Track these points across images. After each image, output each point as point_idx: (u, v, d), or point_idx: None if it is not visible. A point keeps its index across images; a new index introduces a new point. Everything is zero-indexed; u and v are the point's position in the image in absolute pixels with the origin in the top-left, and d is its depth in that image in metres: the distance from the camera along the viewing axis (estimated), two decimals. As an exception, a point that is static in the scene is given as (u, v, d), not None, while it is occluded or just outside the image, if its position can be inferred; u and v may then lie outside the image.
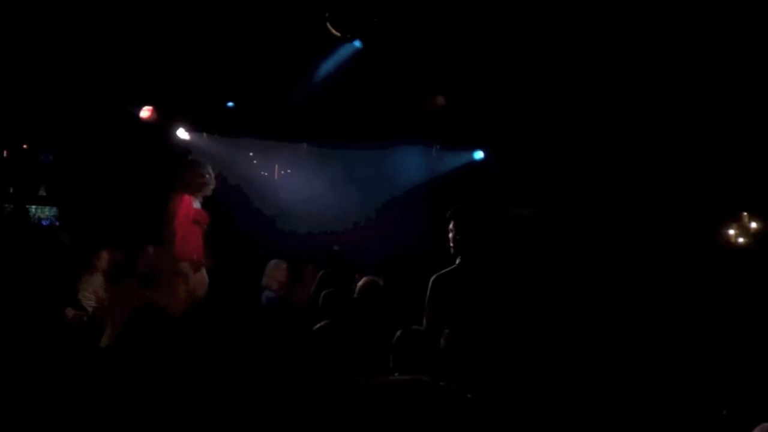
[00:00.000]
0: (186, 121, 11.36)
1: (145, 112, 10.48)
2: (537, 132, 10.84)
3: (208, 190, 7.58)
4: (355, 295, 6.40)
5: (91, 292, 8.41)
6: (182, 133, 11.37)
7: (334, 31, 8.19)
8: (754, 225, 11.02)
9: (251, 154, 13.04)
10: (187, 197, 7.43)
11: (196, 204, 7.53)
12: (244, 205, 12.26)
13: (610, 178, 10.61)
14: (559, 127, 10.58)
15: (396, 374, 4.24)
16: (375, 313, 6.02)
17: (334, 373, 4.05)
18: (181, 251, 7.38)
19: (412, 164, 12.37)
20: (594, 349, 7.12)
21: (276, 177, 13.43)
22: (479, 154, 12.56)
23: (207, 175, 7.57)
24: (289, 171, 13.49)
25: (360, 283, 6.45)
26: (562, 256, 9.89)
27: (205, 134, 11.85)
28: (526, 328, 5.12)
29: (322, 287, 7.12)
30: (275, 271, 8.56)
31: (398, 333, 4.41)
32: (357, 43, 8.99)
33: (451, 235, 5.23)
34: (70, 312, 7.95)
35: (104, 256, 8.70)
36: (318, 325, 4.36)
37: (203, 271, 7.51)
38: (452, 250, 5.22)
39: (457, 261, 5.15)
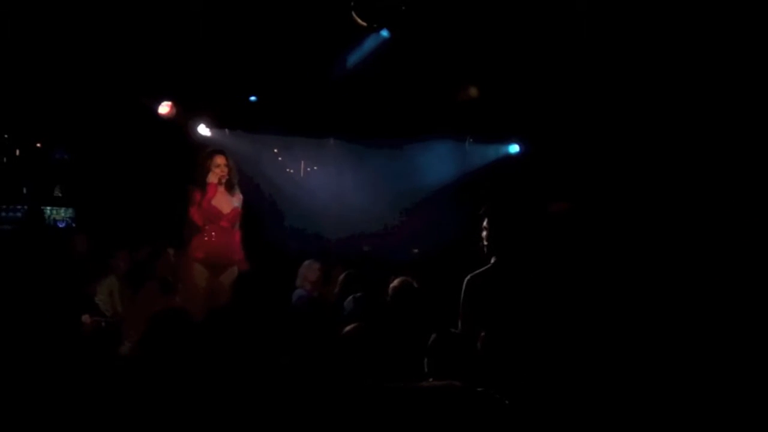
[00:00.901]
0: (207, 116, 11.39)
1: (164, 108, 10.49)
2: (577, 122, 10.66)
3: (215, 177, 7.60)
4: (389, 297, 6.42)
5: (108, 294, 8.51)
6: (203, 130, 11.40)
7: (360, 21, 8.18)
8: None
9: (276, 150, 13.09)
10: (196, 191, 7.49)
11: (233, 200, 7.60)
12: (269, 204, 12.33)
13: (662, 173, 10.41)
14: (602, 117, 10.42)
15: (430, 379, 4.25)
16: (409, 315, 6.04)
17: (365, 378, 4.07)
18: (188, 249, 7.46)
19: (444, 159, 12.33)
20: (643, 357, 6.99)
21: (302, 174, 13.48)
22: (514, 148, 12.54)
23: (210, 161, 7.61)
24: (315, 168, 13.55)
25: (393, 285, 6.45)
26: (605, 255, 9.78)
27: (227, 130, 11.90)
28: (567, 331, 5.11)
29: (347, 288, 7.15)
30: (308, 271, 8.65)
31: (433, 336, 4.41)
32: (384, 33, 9.01)
33: (485, 233, 5.19)
34: (87, 318, 8.02)
35: (122, 257, 8.80)
36: (348, 328, 4.38)
37: (231, 271, 7.54)
38: (486, 250, 5.19)
39: (492, 260, 5.13)
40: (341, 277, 7.70)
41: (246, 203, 8.09)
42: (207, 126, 11.46)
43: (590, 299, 7.11)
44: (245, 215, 8.04)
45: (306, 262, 8.76)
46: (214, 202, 7.52)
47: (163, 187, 8.05)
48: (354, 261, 9.28)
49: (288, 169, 13.36)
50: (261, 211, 11.58)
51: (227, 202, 7.62)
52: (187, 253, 7.52)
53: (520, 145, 12.47)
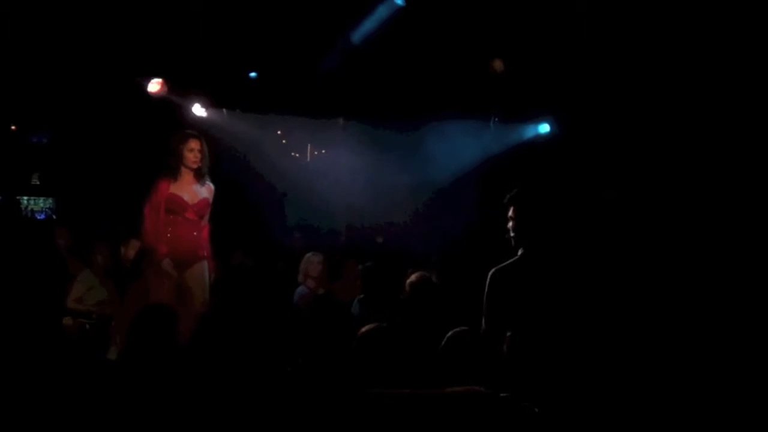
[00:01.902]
0: (202, 95, 11.45)
1: (155, 86, 10.53)
2: (615, 99, 10.61)
3: (187, 162, 7.42)
4: (405, 294, 6.44)
5: (87, 290, 8.58)
6: (198, 110, 11.46)
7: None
8: None
9: (279, 132, 13.15)
10: (164, 179, 7.44)
11: (202, 190, 7.54)
12: (271, 192, 12.40)
13: (707, 155, 10.35)
14: (643, 93, 10.37)
15: (450, 385, 4.28)
16: (428, 313, 6.07)
17: (380, 384, 4.11)
18: (146, 241, 7.44)
19: (467, 141, 12.34)
20: (689, 361, 6.95)
21: (308, 158, 13.55)
22: (545, 127, 12.58)
23: (183, 145, 7.55)
24: (323, 151, 13.61)
25: (410, 280, 6.45)
26: (644, 247, 9.75)
27: (225, 110, 11.98)
28: (602, 332, 5.13)
29: (369, 283, 7.22)
30: (308, 266, 8.66)
31: (449, 335, 4.44)
32: (399, 0, 9.03)
33: (511, 222, 5.15)
34: (69, 321, 8.08)
35: (99, 251, 8.84)
36: (364, 330, 4.41)
37: (199, 267, 7.54)
38: (513, 241, 5.15)
39: (519, 253, 5.09)
40: (359, 270, 7.75)
41: (246, 191, 8.09)
42: (202, 106, 11.51)
43: (630, 297, 7.12)
44: (243, 204, 8.05)
45: (307, 255, 8.78)
46: (179, 191, 7.51)
47: (154, 175, 8.04)
48: (366, 254, 9.31)
49: (293, 153, 13.42)
50: (262, 200, 11.65)
51: (195, 192, 7.54)
52: (150, 247, 7.47)
53: (551, 125, 12.48)
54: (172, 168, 7.37)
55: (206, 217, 7.59)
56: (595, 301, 5.13)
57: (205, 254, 7.51)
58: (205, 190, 7.53)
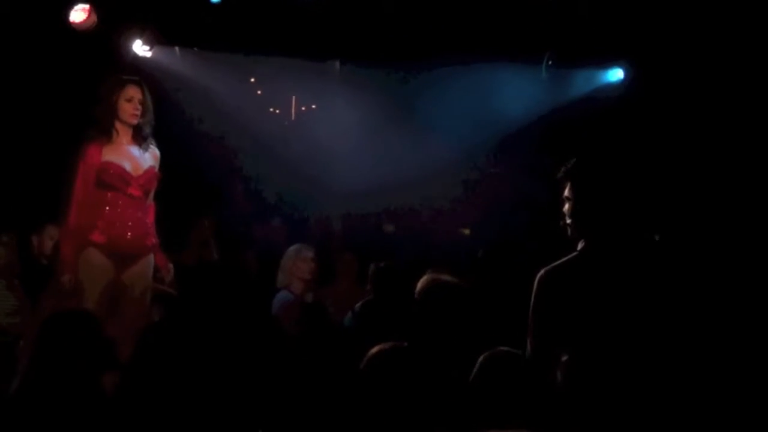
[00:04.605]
0: (146, 28, 11.41)
1: (79, 14, 10.50)
2: (717, 34, 10.57)
3: (124, 118, 7.43)
4: (417, 301, 6.42)
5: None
6: (140, 48, 11.43)
7: None
8: None
9: (252, 80, 13.15)
10: (94, 142, 7.36)
11: (146, 157, 7.47)
12: (240, 162, 12.38)
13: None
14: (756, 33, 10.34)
15: (486, 428, 4.25)
16: (449, 329, 6.04)
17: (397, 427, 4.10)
18: (71, 229, 7.34)
19: (510, 93, 12.26)
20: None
21: (293, 116, 13.55)
22: (616, 74, 12.53)
23: (118, 94, 7.45)
24: (313, 107, 13.61)
25: (422, 284, 6.45)
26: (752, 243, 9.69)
27: (177, 48, 11.99)
28: (694, 355, 5.07)
29: (382, 289, 7.20)
30: (296, 263, 8.62)
31: (482, 359, 4.41)
32: None
33: (567, 205, 5.05)
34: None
35: (7, 243, 8.80)
36: (376, 350, 4.38)
37: (144, 263, 7.50)
38: (570, 231, 5.08)
39: (579, 247, 5.00)
40: (371, 272, 7.75)
41: (205, 160, 8.06)
42: (146, 43, 11.46)
43: (740, 308, 7.08)
44: (201, 179, 8.02)
45: (292, 249, 8.78)
46: (117, 159, 7.41)
47: (79, 136, 7.96)
48: (370, 248, 9.30)
49: (271, 109, 13.41)
50: (228, 173, 11.60)
51: (137, 159, 7.47)
52: (79, 235, 7.38)
53: (625, 70, 12.41)
54: (102, 125, 7.33)
55: (152, 194, 7.58)
56: (687, 314, 5.02)
57: (152, 243, 7.50)
58: (150, 157, 7.51)
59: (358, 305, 7.27)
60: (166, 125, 8.20)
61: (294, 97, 13.45)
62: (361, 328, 6.44)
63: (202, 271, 9.06)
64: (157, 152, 7.56)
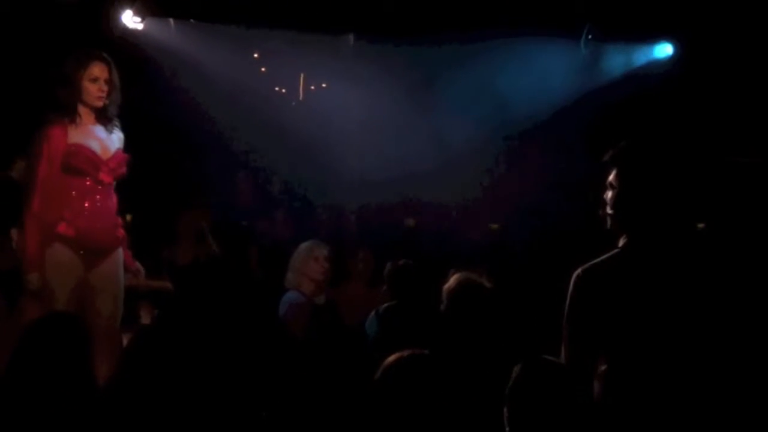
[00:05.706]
0: (135, -2, 11.46)
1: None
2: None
3: (92, 98, 7.41)
4: (443, 305, 6.46)
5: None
6: (130, 20, 11.48)
7: None
8: None
9: (256, 55, 13.18)
10: (57, 124, 7.35)
11: (113, 138, 7.48)
12: (242, 148, 12.41)
13: None
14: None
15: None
16: (480, 337, 6.08)
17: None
18: (39, 214, 7.31)
19: (545, 70, 12.32)
20: None
21: (301, 96, 13.58)
22: (665, 50, 12.55)
23: (83, 72, 7.43)
24: (324, 85, 13.64)
25: (449, 285, 6.48)
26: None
27: (171, 21, 11.99)
28: (754, 369, 5.07)
29: (401, 290, 7.23)
30: (309, 262, 8.63)
31: (517, 369, 4.42)
32: None
33: (611, 194, 5.05)
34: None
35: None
36: (393, 359, 4.40)
37: (113, 261, 7.52)
38: (610, 222, 5.09)
39: (621, 242, 5.02)
40: (388, 270, 7.79)
41: (202, 145, 8.08)
42: (136, 14, 11.49)
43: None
44: (198, 166, 8.03)
45: (303, 247, 8.80)
46: (84, 141, 7.44)
47: (40, 117, 7.99)
48: (390, 244, 9.33)
49: (277, 88, 13.44)
50: (227, 160, 11.64)
51: (105, 142, 7.48)
52: (44, 227, 7.37)
53: (674, 46, 12.43)
54: (65, 106, 7.34)
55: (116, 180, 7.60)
56: (745, 321, 5.03)
57: (122, 236, 7.54)
58: (117, 139, 7.53)
59: (381, 308, 7.29)
60: (159, 106, 8.26)
61: (302, 75, 13.47)
62: (386, 335, 6.44)
63: (200, 269, 9.05)
64: (121, 134, 7.59)
